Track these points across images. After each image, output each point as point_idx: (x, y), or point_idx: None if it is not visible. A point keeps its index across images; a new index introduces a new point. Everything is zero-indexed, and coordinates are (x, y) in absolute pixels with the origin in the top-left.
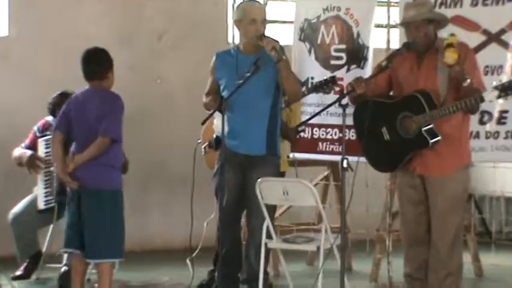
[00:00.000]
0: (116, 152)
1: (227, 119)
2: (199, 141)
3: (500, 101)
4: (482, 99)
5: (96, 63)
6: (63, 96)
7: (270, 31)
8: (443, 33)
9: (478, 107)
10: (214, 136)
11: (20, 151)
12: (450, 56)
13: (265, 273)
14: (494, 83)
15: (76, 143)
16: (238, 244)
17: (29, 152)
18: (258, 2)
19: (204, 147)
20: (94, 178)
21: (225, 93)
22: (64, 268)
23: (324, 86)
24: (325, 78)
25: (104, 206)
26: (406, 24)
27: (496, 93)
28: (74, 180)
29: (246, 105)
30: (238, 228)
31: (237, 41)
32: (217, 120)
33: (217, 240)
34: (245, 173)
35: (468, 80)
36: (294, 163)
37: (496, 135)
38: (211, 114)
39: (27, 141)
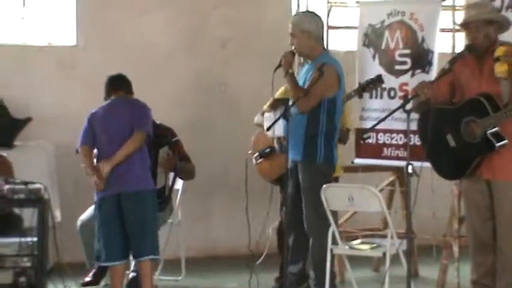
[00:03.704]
0: (146, 151)
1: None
2: (250, 152)
3: None
4: None
5: (126, 79)
6: None
7: (334, 37)
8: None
9: None
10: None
11: None
12: (498, 70)
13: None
14: None
15: (104, 151)
16: (303, 235)
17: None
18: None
19: (255, 157)
20: (135, 178)
21: None
22: (132, 274)
23: (370, 85)
24: (371, 77)
25: (146, 205)
26: (466, 25)
27: None
28: (113, 183)
29: (290, 113)
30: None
31: None
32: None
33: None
34: (297, 178)
35: None
36: (358, 169)
37: None
38: (275, 121)
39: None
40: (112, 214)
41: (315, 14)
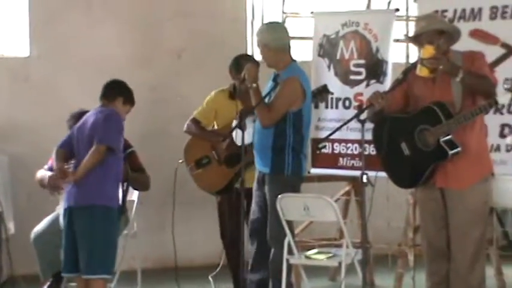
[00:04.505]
0: (112, 164)
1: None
2: (180, 161)
3: None
4: (496, 103)
5: (112, 84)
6: (84, 113)
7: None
8: (461, 47)
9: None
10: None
11: (42, 173)
12: (420, 72)
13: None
14: (506, 86)
15: (76, 160)
16: (266, 244)
17: (49, 173)
18: (262, 26)
19: (191, 167)
20: (87, 192)
21: None
22: None
23: (316, 96)
24: (316, 87)
25: (96, 221)
26: (417, 37)
27: (510, 95)
28: (66, 197)
29: (257, 123)
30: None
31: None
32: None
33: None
34: (263, 189)
35: (459, 75)
36: (314, 178)
37: None
38: (231, 130)
39: (49, 163)
40: (66, 226)
41: (276, 25)
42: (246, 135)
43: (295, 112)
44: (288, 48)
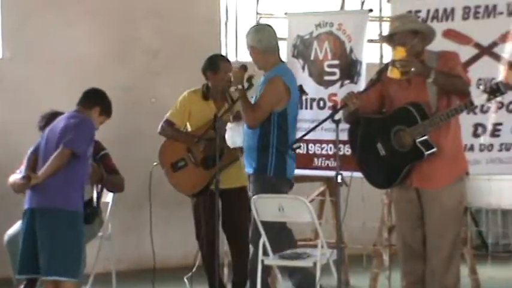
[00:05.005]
0: (78, 169)
1: None
2: (155, 163)
3: (493, 114)
4: (472, 104)
5: (92, 92)
6: (54, 114)
7: None
8: (434, 47)
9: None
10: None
11: (15, 177)
12: (391, 74)
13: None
14: (482, 87)
15: (41, 162)
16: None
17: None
18: (249, 29)
19: (167, 170)
20: (50, 196)
21: None
22: None
23: None
24: None
25: (59, 224)
26: (391, 37)
27: (485, 96)
28: (29, 197)
29: (245, 124)
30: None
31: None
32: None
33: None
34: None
35: (432, 76)
36: None
37: (490, 147)
38: (204, 133)
39: (22, 166)
40: (27, 227)
41: (261, 27)
42: (238, 139)
43: (279, 112)
44: (275, 49)
